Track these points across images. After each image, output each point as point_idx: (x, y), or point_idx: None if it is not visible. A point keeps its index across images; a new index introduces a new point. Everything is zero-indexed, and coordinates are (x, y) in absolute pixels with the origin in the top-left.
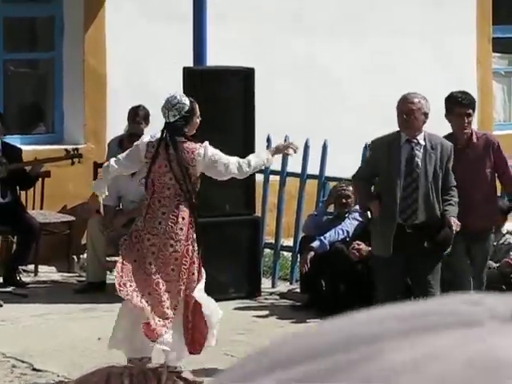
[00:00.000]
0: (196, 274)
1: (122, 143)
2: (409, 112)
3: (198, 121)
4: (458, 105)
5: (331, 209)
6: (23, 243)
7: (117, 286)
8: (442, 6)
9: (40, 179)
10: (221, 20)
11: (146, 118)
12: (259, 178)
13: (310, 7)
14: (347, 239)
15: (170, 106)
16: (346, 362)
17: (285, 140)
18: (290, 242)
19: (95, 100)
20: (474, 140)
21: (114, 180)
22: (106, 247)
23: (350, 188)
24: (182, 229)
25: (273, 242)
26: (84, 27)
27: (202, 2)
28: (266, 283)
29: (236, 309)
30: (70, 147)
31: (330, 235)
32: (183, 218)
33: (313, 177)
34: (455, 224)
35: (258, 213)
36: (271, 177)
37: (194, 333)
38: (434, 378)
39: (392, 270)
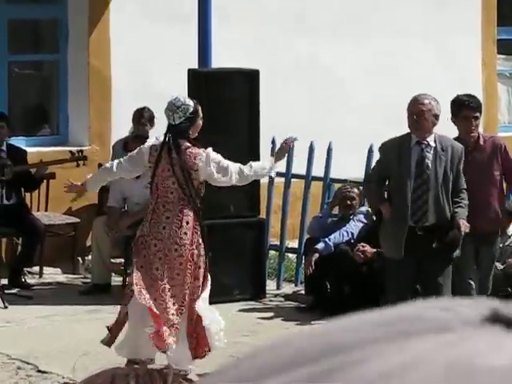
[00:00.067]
0: (201, 278)
1: (127, 145)
2: (419, 113)
3: (200, 123)
4: (466, 108)
5: (336, 211)
6: (28, 245)
7: (136, 294)
8: (447, 7)
9: (45, 181)
10: (224, 21)
11: (150, 119)
12: (264, 179)
13: (313, 8)
14: (352, 241)
15: (174, 108)
16: (329, 370)
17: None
18: (294, 244)
19: (100, 102)
20: (481, 143)
21: (119, 182)
22: (111, 249)
23: (355, 190)
24: (186, 233)
25: (278, 243)
26: (88, 30)
27: (207, 3)
28: (270, 285)
29: (241, 311)
30: (74, 149)
31: (335, 237)
32: (187, 223)
33: (318, 178)
34: (464, 226)
35: (263, 215)
36: (276, 178)
37: (198, 338)
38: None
39: (403, 271)
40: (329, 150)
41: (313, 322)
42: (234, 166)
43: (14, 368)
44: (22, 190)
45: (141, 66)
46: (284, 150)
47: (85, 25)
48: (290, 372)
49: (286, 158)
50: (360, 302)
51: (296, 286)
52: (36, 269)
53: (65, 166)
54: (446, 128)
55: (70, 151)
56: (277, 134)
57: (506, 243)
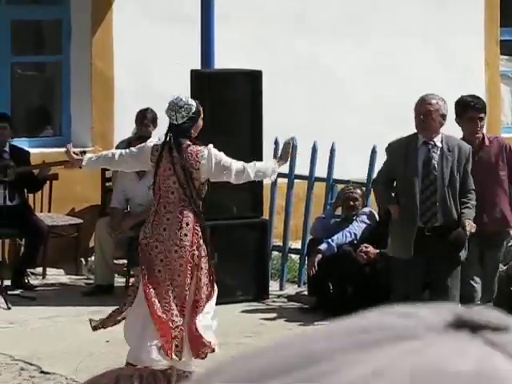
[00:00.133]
0: (204, 280)
1: (130, 146)
2: (426, 113)
3: (201, 122)
4: (471, 109)
5: (339, 211)
6: (31, 246)
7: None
8: (449, 7)
9: (48, 182)
10: (224, 21)
11: (153, 120)
12: (267, 180)
13: (313, 8)
14: (355, 242)
15: (177, 107)
16: (300, 383)
17: (292, 143)
18: (297, 245)
19: (103, 103)
20: (487, 143)
21: (122, 183)
22: (114, 250)
23: (358, 191)
24: (186, 234)
25: (281, 244)
26: (91, 31)
27: (210, 4)
28: (273, 286)
29: (244, 311)
30: (77, 150)
31: (338, 238)
32: (187, 224)
33: (320, 179)
34: (469, 225)
35: (266, 215)
36: (279, 179)
37: (198, 338)
38: None
39: (412, 271)
40: (332, 151)
41: (316, 323)
42: (236, 163)
43: (18, 369)
44: (25, 191)
45: (143, 67)
46: (286, 154)
47: (87, 25)
48: None
49: (288, 158)
50: (363, 302)
51: (299, 286)
52: (39, 270)
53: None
54: (447, 128)
55: (73, 152)
56: (279, 135)
57: (509, 244)
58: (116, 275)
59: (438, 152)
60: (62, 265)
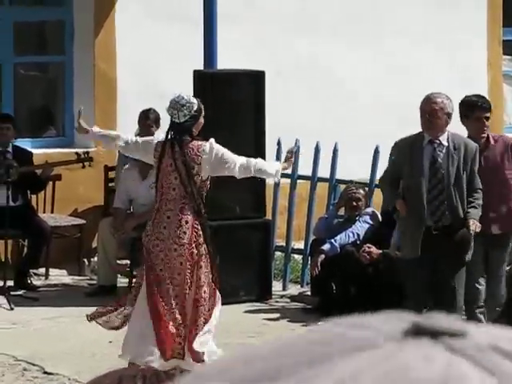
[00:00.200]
0: (204, 279)
1: None
2: (431, 112)
3: (202, 121)
4: (478, 109)
5: (342, 211)
6: (34, 246)
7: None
8: (452, 7)
9: (51, 182)
10: (224, 21)
11: (156, 121)
12: (270, 180)
13: (314, 8)
14: (358, 242)
15: (179, 106)
16: None
17: (295, 143)
18: (300, 245)
19: (105, 104)
20: (492, 142)
21: (125, 183)
22: (117, 250)
23: (361, 191)
24: (185, 232)
25: (283, 244)
26: (94, 31)
27: (212, 4)
28: (276, 286)
29: (247, 312)
30: (80, 150)
31: (341, 238)
32: (186, 222)
33: (323, 179)
34: (474, 225)
35: (269, 216)
36: (282, 180)
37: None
38: None
39: (420, 270)
40: (334, 151)
41: (319, 323)
42: (238, 158)
43: (20, 369)
44: (28, 191)
45: (146, 67)
46: (289, 163)
47: (90, 26)
48: None
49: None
50: (366, 302)
51: (302, 287)
52: (42, 270)
53: (71, 168)
54: (451, 127)
55: (76, 152)
56: (282, 135)
57: None
58: (119, 276)
59: (444, 151)
60: (65, 265)
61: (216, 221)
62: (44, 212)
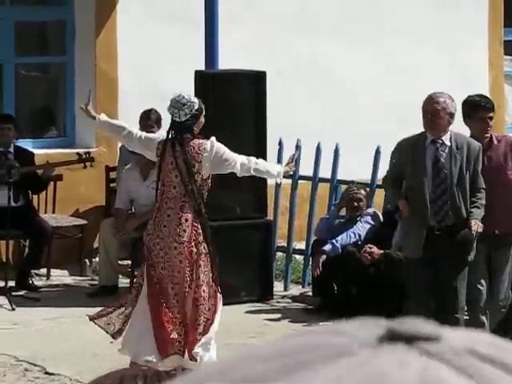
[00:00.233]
0: (203, 278)
1: None
2: (434, 112)
3: (203, 120)
4: (482, 109)
5: (343, 212)
6: (35, 247)
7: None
8: (453, 7)
9: (52, 183)
10: (223, 21)
11: (157, 121)
12: (271, 181)
13: (313, 8)
14: (359, 242)
15: (179, 105)
16: None
17: (297, 144)
18: (302, 246)
19: (107, 104)
20: (495, 142)
21: (126, 184)
22: (119, 251)
23: (362, 191)
24: (185, 230)
25: (285, 245)
26: (95, 32)
27: (214, 4)
28: (278, 286)
29: (248, 312)
30: (81, 151)
31: (342, 238)
32: (186, 220)
33: (325, 180)
34: (475, 225)
35: (270, 216)
36: (283, 180)
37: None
38: None
39: (422, 270)
40: (336, 152)
41: (320, 324)
42: (239, 156)
43: (22, 370)
44: (30, 192)
45: (147, 68)
46: (290, 168)
47: (91, 26)
48: None
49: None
50: (367, 303)
51: (303, 287)
52: (43, 271)
53: (72, 168)
54: (453, 127)
55: (77, 153)
56: (283, 136)
57: None
58: (120, 276)
59: (447, 150)
60: (67, 266)
61: (217, 221)
62: (45, 212)
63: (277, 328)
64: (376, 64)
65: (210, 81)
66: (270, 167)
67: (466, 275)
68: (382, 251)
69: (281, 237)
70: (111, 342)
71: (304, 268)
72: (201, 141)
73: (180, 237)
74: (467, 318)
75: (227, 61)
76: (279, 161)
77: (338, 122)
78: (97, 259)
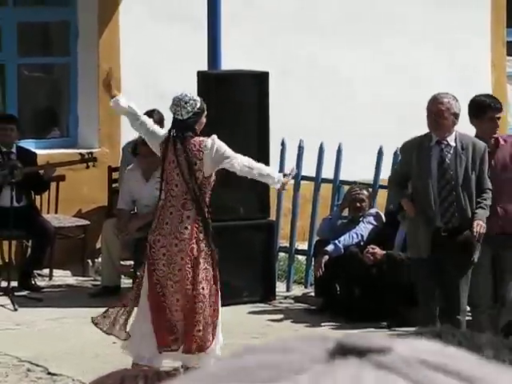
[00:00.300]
0: (202, 275)
1: (137, 148)
2: (438, 113)
3: (204, 120)
4: (491, 109)
5: (346, 212)
6: (38, 247)
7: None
8: (455, 8)
9: (55, 183)
10: (223, 21)
11: (160, 121)
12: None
13: (312, 7)
14: (361, 243)
15: (182, 103)
16: None
17: (299, 145)
18: (304, 246)
19: (109, 104)
20: (502, 142)
21: (128, 184)
22: (121, 251)
23: (365, 192)
24: (186, 228)
25: (287, 245)
26: (98, 32)
27: (216, 5)
28: (280, 287)
29: (250, 313)
30: (84, 151)
31: (345, 239)
32: (188, 217)
33: (327, 181)
34: (478, 226)
35: (273, 217)
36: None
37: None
38: None
39: (429, 271)
40: (338, 152)
41: (322, 324)
42: (240, 155)
43: (24, 370)
44: (32, 192)
45: (150, 68)
46: (285, 184)
47: (94, 27)
48: None
49: (295, 160)
50: (370, 303)
51: (306, 288)
52: (46, 271)
53: (74, 168)
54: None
55: (80, 153)
56: (282, 135)
57: None
58: (122, 276)
59: (452, 151)
60: (69, 266)
61: (220, 222)
62: (48, 213)
63: (279, 328)
64: (375, 63)
65: (212, 81)
66: (271, 171)
67: (469, 277)
68: (384, 252)
69: (283, 237)
70: (114, 343)
71: (306, 268)
72: (201, 138)
73: (181, 234)
74: (470, 318)
75: (227, 61)
76: (281, 161)
77: (337, 122)
78: (99, 260)
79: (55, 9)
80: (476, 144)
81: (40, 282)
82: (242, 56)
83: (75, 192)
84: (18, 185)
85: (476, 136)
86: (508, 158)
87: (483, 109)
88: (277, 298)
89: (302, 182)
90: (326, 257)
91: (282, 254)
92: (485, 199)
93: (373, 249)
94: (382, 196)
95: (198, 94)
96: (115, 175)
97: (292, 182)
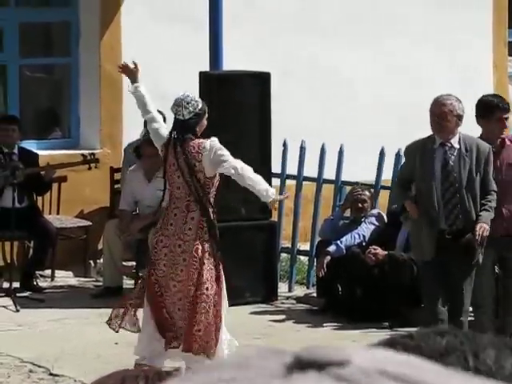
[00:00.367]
0: (207, 275)
1: (139, 149)
2: (441, 115)
3: (205, 122)
4: (499, 110)
5: (348, 213)
6: (40, 248)
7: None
8: (457, 9)
9: (56, 184)
10: (224, 21)
11: None
12: (276, 182)
13: (313, 8)
14: (363, 243)
15: (184, 103)
16: None
17: (301, 145)
18: (306, 247)
19: (111, 105)
20: (508, 143)
21: (130, 185)
22: (123, 252)
23: (366, 192)
24: (190, 229)
25: (289, 246)
26: (100, 33)
27: (218, 5)
28: (282, 287)
29: (252, 313)
30: (86, 152)
31: (347, 239)
32: (192, 219)
33: (329, 181)
34: (480, 229)
35: (275, 217)
36: (288, 181)
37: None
38: None
39: (433, 274)
40: (340, 153)
41: (324, 325)
42: (238, 161)
43: (26, 371)
44: (34, 193)
45: (152, 69)
46: (274, 203)
47: (96, 27)
48: None
49: (297, 161)
50: (371, 304)
51: (308, 288)
52: (48, 272)
53: (76, 169)
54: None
55: (82, 154)
56: (282, 136)
57: None
58: (124, 277)
59: (456, 153)
60: (71, 267)
61: (222, 222)
62: (50, 213)
63: (281, 329)
64: (376, 64)
65: (214, 82)
66: (265, 184)
67: (472, 278)
68: (386, 252)
69: (285, 238)
70: (116, 343)
71: (308, 269)
72: (201, 140)
73: (185, 235)
74: (472, 319)
75: (228, 61)
76: (283, 162)
77: (339, 122)
78: (101, 260)
79: (57, 9)
80: (480, 145)
81: (42, 283)
82: (242, 57)
83: (77, 193)
84: (20, 186)
85: (482, 136)
86: None
87: (491, 109)
88: (279, 298)
89: (304, 182)
90: (328, 257)
91: (283, 255)
92: (489, 201)
93: (375, 249)
94: (384, 197)
95: (200, 95)
96: (117, 176)
97: (294, 182)
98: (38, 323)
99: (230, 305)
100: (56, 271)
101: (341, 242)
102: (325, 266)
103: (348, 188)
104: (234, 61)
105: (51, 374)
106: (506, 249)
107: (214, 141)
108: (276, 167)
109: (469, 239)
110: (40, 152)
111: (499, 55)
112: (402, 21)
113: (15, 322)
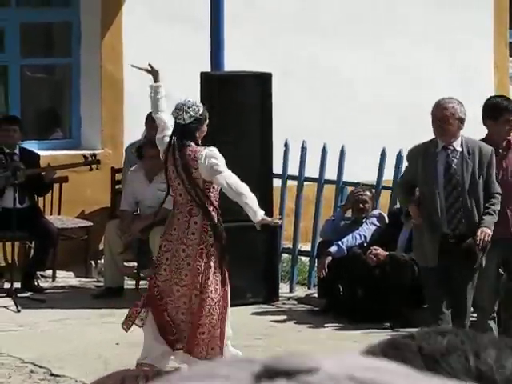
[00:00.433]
0: (212, 279)
1: (140, 149)
2: (443, 118)
3: (206, 128)
4: (507, 111)
5: (349, 214)
6: (41, 248)
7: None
8: (458, 9)
9: (58, 184)
10: (225, 22)
11: None
12: (277, 182)
13: (313, 8)
14: (365, 244)
15: (185, 107)
16: None
17: (302, 145)
18: (307, 247)
19: (112, 105)
20: None
21: (131, 185)
22: (124, 252)
23: (368, 193)
24: (193, 233)
25: (290, 246)
26: (101, 33)
27: (219, 6)
28: (283, 288)
29: (253, 314)
30: (87, 153)
31: (348, 240)
32: (195, 223)
33: (330, 182)
34: (481, 233)
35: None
36: (289, 182)
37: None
38: None
39: (436, 279)
40: (341, 153)
41: (326, 325)
42: (232, 175)
43: (27, 372)
44: (35, 194)
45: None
46: (265, 224)
47: (97, 28)
48: None
49: (299, 161)
50: (373, 304)
51: (309, 289)
52: (49, 272)
53: (78, 170)
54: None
55: (83, 155)
56: (283, 136)
57: None
58: (126, 278)
59: (458, 156)
60: (72, 267)
61: (223, 223)
62: (51, 214)
63: (282, 330)
64: (376, 64)
65: (215, 82)
66: (255, 205)
67: (474, 283)
68: (387, 253)
69: (286, 238)
70: (117, 344)
71: (310, 270)
72: (198, 148)
73: (189, 239)
74: (475, 321)
75: (228, 61)
76: (285, 162)
77: (339, 123)
78: (102, 261)
79: (58, 10)
80: (483, 148)
81: (43, 284)
82: (243, 57)
83: (78, 193)
84: (21, 186)
85: (488, 137)
86: None
87: (499, 111)
88: (280, 299)
89: (305, 183)
90: (329, 258)
91: (285, 255)
92: (493, 204)
93: (376, 250)
94: (385, 197)
95: (201, 95)
96: (118, 176)
97: (295, 183)
98: (39, 324)
99: (232, 305)
100: (57, 272)
101: (342, 243)
102: (326, 266)
103: (349, 188)
104: (233, 61)
105: (52, 375)
106: (511, 251)
107: (212, 150)
108: (277, 167)
109: (470, 244)
110: (41, 152)
111: (500, 56)
112: (401, 21)
113: (16, 322)
